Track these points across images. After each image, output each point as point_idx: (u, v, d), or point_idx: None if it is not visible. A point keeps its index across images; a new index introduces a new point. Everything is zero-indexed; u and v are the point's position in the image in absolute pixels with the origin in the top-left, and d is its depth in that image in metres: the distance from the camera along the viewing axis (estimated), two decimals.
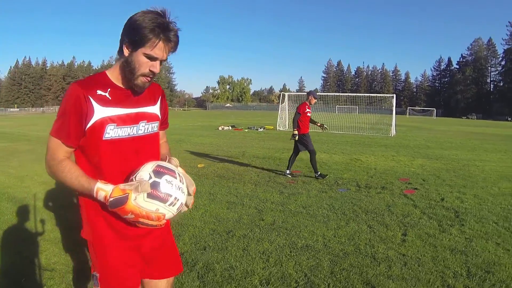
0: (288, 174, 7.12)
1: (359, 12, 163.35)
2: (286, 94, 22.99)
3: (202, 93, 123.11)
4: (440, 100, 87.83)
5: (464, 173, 7.63)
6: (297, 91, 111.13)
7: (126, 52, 1.30)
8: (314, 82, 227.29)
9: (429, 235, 3.82)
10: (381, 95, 31.76)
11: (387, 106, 40.09)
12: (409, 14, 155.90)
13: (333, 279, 2.90)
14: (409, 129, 23.56)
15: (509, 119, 65.23)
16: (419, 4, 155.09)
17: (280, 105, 22.36)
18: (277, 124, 21.17)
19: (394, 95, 20.95)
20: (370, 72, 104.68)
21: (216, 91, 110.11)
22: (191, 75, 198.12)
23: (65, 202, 4.78)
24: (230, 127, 20.53)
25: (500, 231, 3.94)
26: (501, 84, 78.55)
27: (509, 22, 74.61)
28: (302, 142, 7.07)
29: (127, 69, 1.31)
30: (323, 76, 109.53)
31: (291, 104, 24.09)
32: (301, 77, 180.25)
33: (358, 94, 32.44)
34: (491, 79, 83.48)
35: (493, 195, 5.56)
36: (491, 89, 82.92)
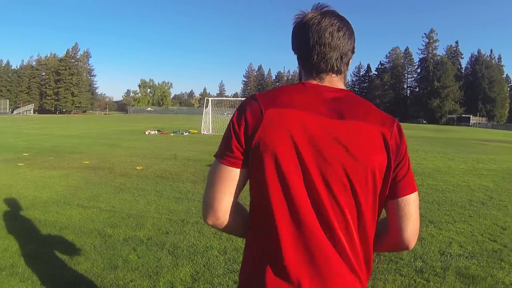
0: None
1: (280, 13, 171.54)
2: (210, 99, 23.87)
3: (123, 96, 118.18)
4: None
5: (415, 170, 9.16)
6: (217, 95, 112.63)
7: None
8: (234, 86, 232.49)
9: None
10: None
11: None
12: None
13: None
14: None
15: (424, 122, 74.64)
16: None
17: (204, 110, 23.12)
18: (202, 128, 21.87)
19: None
20: (290, 76, 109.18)
21: (137, 95, 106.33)
22: (112, 78, 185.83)
23: None
24: (156, 132, 20.58)
25: None
26: (417, 89, 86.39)
27: (424, 33, 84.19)
28: None
29: None
30: (244, 80, 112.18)
31: (214, 108, 25.03)
32: (221, 81, 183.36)
33: None
34: (408, 85, 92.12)
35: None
36: (408, 94, 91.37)
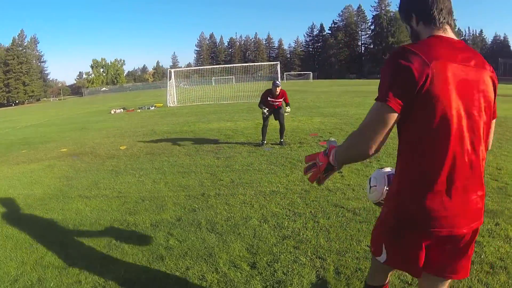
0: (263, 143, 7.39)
1: None
2: (172, 70, 22.62)
3: (75, 79, 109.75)
4: (315, 63, 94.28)
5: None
6: (171, 67, 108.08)
7: None
8: (187, 57, 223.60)
9: (359, 170, 5.07)
10: (266, 63, 33.66)
11: (263, 73, 43.05)
12: None
13: (310, 208, 3.77)
14: (293, 93, 25.72)
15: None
16: None
17: (168, 82, 21.97)
18: (167, 101, 20.90)
19: (278, 63, 22.71)
20: (243, 42, 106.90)
21: (90, 76, 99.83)
22: (63, 62, 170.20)
23: None
24: (122, 110, 19.36)
25: None
26: (372, 46, 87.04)
27: None
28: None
29: None
30: (196, 50, 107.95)
31: (178, 79, 23.88)
32: (174, 52, 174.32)
33: (243, 64, 33.49)
34: (362, 42, 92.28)
35: (391, 138, 7.10)
36: (363, 51, 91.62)
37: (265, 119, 7.28)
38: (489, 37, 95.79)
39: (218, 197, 4.26)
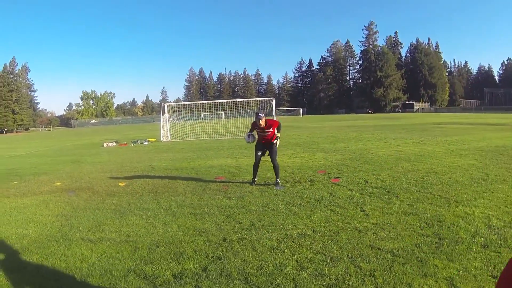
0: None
1: (213, 18, 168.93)
2: (166, 104, 22.51)
3: (65, 110, 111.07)
4: (304, 99, 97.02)
5: (366, 160, 9.11)
6: (160, 101, 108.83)
7: None
8: (176, 92, 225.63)
9: (381, 207, 4.82)
10: (261, 99, 33.99)
11: (251, 109, 43.49)
12: (264, 19, 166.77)
13: (345, 251, 3.45)
14: (287, 129, 25.83)
15: (370, 111, 77.44)
16: (274, 10, 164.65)
17: (161, 116, 21.76)
18: (161, 136, 20.57)
19: (273, 98, 22.75)
20: (232, 77, 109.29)
21: (80, 107, 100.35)
22: (53, 92, 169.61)
23: None
24: (114, 143, 18.85)
25: (425, 195, 5.28)
26: (360, 81, 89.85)
27: (364, 26, 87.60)
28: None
29: None
30: (186, 85, 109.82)
31: (171, 114, 23.74)
32: (163, 87, 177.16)
33: (242, 100, 33.50)
34: (351, 77, 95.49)
35: (401, 173, 7.11)
36: (351, 86, 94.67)
37: (258, 156, 6.85)
38: (474, 68, 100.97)
39: (242, 242, 3.87)
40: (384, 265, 3.10)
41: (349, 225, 4.19)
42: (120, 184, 7.51)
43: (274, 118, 20.93)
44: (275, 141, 6.76)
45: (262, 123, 6.63)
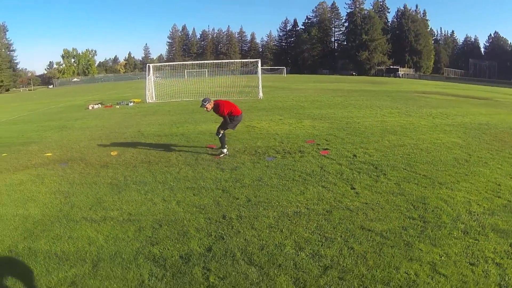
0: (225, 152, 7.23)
1: None
2: (151, 65, 21.81)
3: (46, 69, 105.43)
4: (288, 58, 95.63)
5: (353, 131, 9.22)
6: (142, 59, 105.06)
7: None
8: (159, 48, 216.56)
9: (370, 185, 5.11)
10: (246, 60, 33.32)
11: (234, 67, 42.67)
12: None
13: (338, 231, 3.74)
14: (271, 90, 25.66)
15: (354, 73, 77.26)
16: None
17: (146, 77, 21.17)
18: (146, 97, 20.17)
19: (259, 60, 22.48)
20: (215, 34, 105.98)
21: (61, 66, 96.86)
22: (33, 51, 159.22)
23: None
24: (100, 105, 18.41)
25: (411, 174, 5.58)
26: (345, 43, 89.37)
27: None
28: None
29: None
30: (168, 42, 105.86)
31: (156, 74, 23.11)
32: (146, 43, 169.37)
33: (231, 60, 32.82)
34: (335, 39, 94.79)
35: (388, 147, 7.34)
36: (336, 47, 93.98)
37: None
38: (460, 38, 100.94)
39: (241, 220, 4.11)
40: (374, 247, 3.41)
41: (340, 204, 4.47)
42: (112, 153, 7.53)
43: (259, 78, 20.84)
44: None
45: (209, 108, 6.98)
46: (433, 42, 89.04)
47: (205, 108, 6.96)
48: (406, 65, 79.68)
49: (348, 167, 6.02)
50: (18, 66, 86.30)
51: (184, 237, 3.73)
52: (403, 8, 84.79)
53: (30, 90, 76.41)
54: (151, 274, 3.10)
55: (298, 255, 3.31)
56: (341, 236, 3.64)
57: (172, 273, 3.10)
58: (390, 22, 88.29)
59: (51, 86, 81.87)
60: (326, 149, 7.35)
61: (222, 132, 7.13)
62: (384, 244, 3.46)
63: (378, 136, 8.52)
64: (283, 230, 3.82)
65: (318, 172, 5.82)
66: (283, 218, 4.12)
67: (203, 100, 6.93)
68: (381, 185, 5.12)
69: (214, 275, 3.03)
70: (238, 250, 3.42)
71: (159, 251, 3.47)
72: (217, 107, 6.96)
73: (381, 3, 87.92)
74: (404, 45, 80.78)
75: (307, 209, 4.36)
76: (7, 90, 73.88)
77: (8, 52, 79.76)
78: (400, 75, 68.90)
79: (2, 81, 72.16)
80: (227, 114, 6.99)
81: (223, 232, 3.81)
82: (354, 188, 5.01)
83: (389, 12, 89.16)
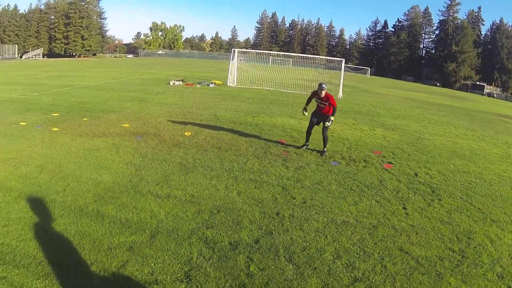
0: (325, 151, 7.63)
1: None
2: (236, 50, 22.97)
3: (133, 39, 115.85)
4: (373, 59, 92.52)
5: (421, 147, 8.92)
6: (229, 40, 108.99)
7: None
8: (247, 32, 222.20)
9: (421, 209, 5.06)
10: (330, 58, 33.18)
11: (319, 61, 42.23)
12: None
13: (378, 248, 3.90)
14: (352, 91, 25.13)
15: (438, 84, 72.57)
16: None
17: (230, 62, 22.35)
18: (228, 80, 21.31)
19: (343, 60, 22.24)
20: (304, 25, 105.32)
21: (148, 37, 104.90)
22: (123, 21, 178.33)
23: None
24: (181, 82, 20.10)
25: (466, 205, 5.35)
26: (433, 51, 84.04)
27: None
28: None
29: None
30: (257, 27, 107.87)
31: (241, 57, 24.16)
32: (234, 26, 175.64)
33: (308, 56, 33.20)
34: (424, 45, 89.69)
35: (451, 172, 7.02)
36: (423, 55, 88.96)
37: (311, 122, 7.70)
38: None
39: (293, 219, 4.45)
40: (406, 270, 3.51)
41: (388, 221, 4.56)
42: (185, 133, 8.36)
43: (342, 77, 20.63)
44: (328, 120, 7.46)
45: (323, 94, 7.32)
46: None
47: (321, 92, 7.31)
48: (493, 83, 71.21)
49: (406, 186, 5.96)
50: (107, 34, 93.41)
51: (237, 226, 4.21)
52: (498, 22, 76.05)
53: (115, 57, 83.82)
54: (200, 253, 3.58)
55: (334, 262, 3.58)
56: (378, 253, 3.80)
57: (219, 256, 3.58)
58: (483, 35, 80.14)
59: (132, 56, 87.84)
60: (390, 162, 7.27)
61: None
62: (416, 269, 3.54)
63: (444, 158, 8.12)
64: (328, 236, 4.10)
65: (376, 185, 5.88)
66: (331, 225, 4.38)
67: (322, 84, 7.42)
68: (432, 210, 5.03)
69: (255, 265, 3.46)
70: (282, 247, 3.81)
71: (212, 234, 3.98)
72: (330, 98, 7.40)
73: (476, 14, 79.75)
74: (495, 62, 72.71)
75: (356, 220, 4.55)
76: (94, 54, 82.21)
77: (100, 20, 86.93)
78: (494, 95, 61.29)
79: (90, 46, 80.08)
80: (336, 106, 7.46)
81: (273, 228, 4.22)
82: (405, 208, 5.02)
83: (483, 25, 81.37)
